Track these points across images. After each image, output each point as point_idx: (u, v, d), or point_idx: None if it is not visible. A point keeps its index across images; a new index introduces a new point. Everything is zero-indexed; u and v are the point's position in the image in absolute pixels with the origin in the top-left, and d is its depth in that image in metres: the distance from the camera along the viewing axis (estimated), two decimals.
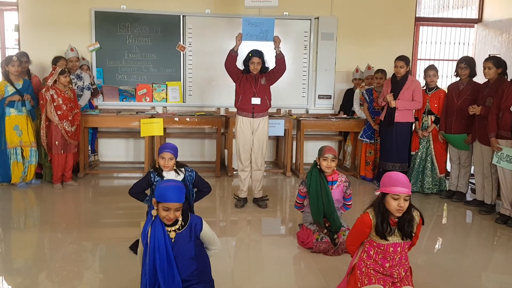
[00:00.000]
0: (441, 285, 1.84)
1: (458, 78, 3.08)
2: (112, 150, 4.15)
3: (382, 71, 3.67)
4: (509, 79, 2.72)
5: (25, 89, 3.22)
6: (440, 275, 1.93)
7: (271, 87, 2.86)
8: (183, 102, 4.14)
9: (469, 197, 3.19)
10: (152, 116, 3.64)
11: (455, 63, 3.13)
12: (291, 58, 3.98)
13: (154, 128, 3.56)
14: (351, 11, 4.19)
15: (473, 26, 4.63)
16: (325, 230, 2.13)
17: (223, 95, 4.05)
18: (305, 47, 4.19)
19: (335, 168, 2.18)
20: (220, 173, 3.76)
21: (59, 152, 3.20)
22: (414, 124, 3.31)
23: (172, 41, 4.05)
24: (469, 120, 2.93)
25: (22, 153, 3.23)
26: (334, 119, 3.83)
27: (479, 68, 2.95)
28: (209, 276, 1.51)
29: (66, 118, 3.19)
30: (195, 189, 2.05)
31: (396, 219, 1.45)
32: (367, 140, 3.66)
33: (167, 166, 1.91)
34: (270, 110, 2.94)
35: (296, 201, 2.31)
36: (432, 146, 3.24)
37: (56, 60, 3.50)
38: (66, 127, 3.19)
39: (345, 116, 3.91)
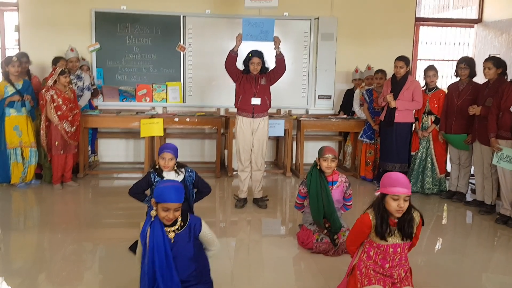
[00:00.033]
0: (441, 286, 1.83)
1: (458, 78, 3.08)
2: (112, 150, 4.14)
3: (382, 72, 3.67)
4: (509, 80, 2.72)
5: (25, 89, 3.22)
6: (440, 275, 1.92)
7: (271, 87, 2.86)
8: (183, 102, 4.14)
9: (469, 197, 3.18)
10: (152, 117, 3.64)
11: (455, 63, 3.13)
12: (291, 58, 3.98)
13: (154, 128, 3.55)
14: (351, 11, 4.19)
15: (473, 27, 4.63)
16: (325, 231, 2.13)
17: (223, 95, 4.05)
18: (305, 48, 4.19)
19: (335, 169, 2.17)
20: (220, 174, 3.76)
21: (59, 153, 3.20)
22: (414, 125, 3.31)
23: (172, 42, 4.05)
24: (469, 120, 2.93)
25: (22, 153, 3.23)
26: (334, 120, 3.82)
27: (479, 68, 2.95)
28: (208, 277, 1.51)
29: (66, 118, 3.19)
30: (195, 190, 2.05)
31: (396, 220, 1.45)
32: (367, 140, 3.65)
33: (167, 166, 1.91)
34: (270, 111, 2.94)
35: (296, 202, 2.31)
36: (432, 147, 3.24)
37: (56, 61, 3.50)
38: (66, 128, 3.19)
39: (345, 116, 3.91)
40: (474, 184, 3.17)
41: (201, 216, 1.52)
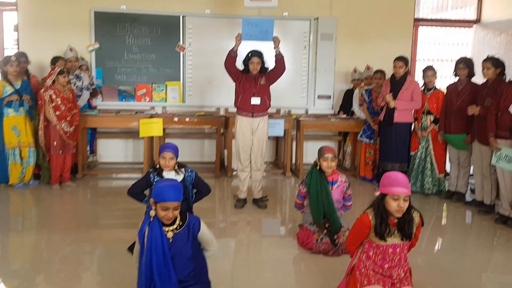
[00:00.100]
0: (441, 286, 1.83)
1: (457, 79, 3.09)
2: (111, 150, 4.13)
3: (381, 72, 3.67)
4: (507, 80, 2.72)
5: (24, 89, 3.21)
6: (440, 275, 1.92)
7: (270, 87, 2.86)
8: (183, 102, 4.13)
9: (468, 197, 3.19)
10: (152, 116, 3.63)
11: (453, 63, 3.13)
12: (290, 58, 3.98)
13: (154, 128, 3.54)
14: (351, 11, 4.20)
15: (472, 27, 4.65)
16: (325, 231, 2.12)
17: (223, 95, 4.04)
18: (305, 48, 4.19)
19: (335, 168, 2.17)
20: (220, 174, 3.75)
21: (58, 153, 3.19)
22: (413, 124, 3.31)
23: (171, 41, 4.04)
24: (468, 120, 2.93)
25: (20, 153, 3.22)
26: (333, 119, 3.82)
27: (478, 68, 2.96)
28: (206, 277, 1.50)
29: (64, 118, 3.18)
30: (195, 190, 2.04)
31: (396, 220, 1.45)
32: (366, 140, 3.65)
33: (168, 166, 1.90)
34: (269, 110, 2.94)
35: (296, 201, 2.31)
36: (432, 146, 3.24)
37: (55, 60, 3.49)
38: (65, 128, 3.18)
39: (344, 116, 3.92)
40: (473, 184, 3.17)
41: (200, 216, 1.51)
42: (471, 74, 3.02)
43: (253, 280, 1.85)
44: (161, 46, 4.03)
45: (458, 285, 1.85)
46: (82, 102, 3.60)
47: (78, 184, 3.38)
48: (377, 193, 1.44)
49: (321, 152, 2.14)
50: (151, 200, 1.39)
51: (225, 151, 3.96)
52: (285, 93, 4.08)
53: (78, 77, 3.62)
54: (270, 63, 2.87)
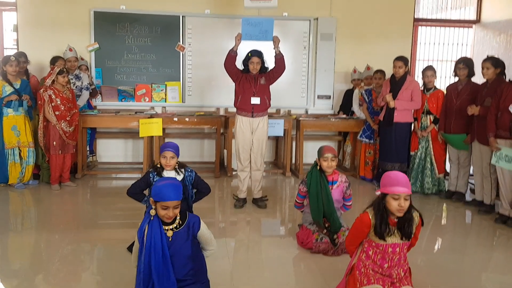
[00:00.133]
0: (441, 285, 1.83)
1: (456, 79, 3.09)
2: (110, 150, 4.13)
3: (381, 72, 3.67)
4: (507, 79, 2.72)
5: (23, 89, 3.21)
6: (440, 275, 1.92)
7: (270, 87, 2.85)
8: (183, 102, 4.13)
9: (468, 197, 3.19)
10: (151, 116, 3.63)
11: (453, 63, 3.13)
12: (290, 58, 3.98)
13: (153, 128, 3.54)
14: (350, 12, 4.20)
15: (471, 27, 4.65)
16: (325, 230, 2.12)
17: (223, 95, 4.04)
18: (305, 48, 4.19)
19: (335, 167, 2.17)
20: (220, 174, 3.75)
21: (57, 153, 3.18)
22: (413, 124, 3.31)
23: (171, 41, 4.04)
24: (468, 120, 2.93)
25: (19, 153, 3.21)
26: (333, 119, 3.82)
27: (478, 68, 2.96)
28: (205, 276, 1.50)
29: (64, 118, 3.17)
30: (195, 190, 2.04)
31: (396, 220, 1.45)
32: (366, 140, 3.65)
33: (169, 165, 1.90)
34: (269, 110, 2.93)
35: (296, 201, 2.30)
36: (431, 146, 3.24)
37: (54, 60, 3.48)
38: (64, 128, 3.18)
39: (344, 116, 3.92)
40: (473, 184, 3.17)
41: (200, 216, 1.51)
42: (471, 74, 3.02)
43: (252, 280, 1.85)
44: (161, 46, 4.03)
45: (458, 285, 1.85)
46: (81, 102, 3.59)
47: (77, 184, 3.38)
48: (378, 193, 1.44)
49: (321, 152, 2.14)
50: (151, 199, 1.39)
51: (225, 151, 3.96)
52: (285, 93, 4.08)
53: (77, 77, 3.62)
54: (270, 63, 2.87)
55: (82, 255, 2.08)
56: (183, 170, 1.96)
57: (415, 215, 1.47)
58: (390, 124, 3.22)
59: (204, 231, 1.47)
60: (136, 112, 3.78)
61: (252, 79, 2.79)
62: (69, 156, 3.28)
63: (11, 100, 3.13)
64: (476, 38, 4.59)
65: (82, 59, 3.83)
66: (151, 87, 4.08)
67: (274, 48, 2.79)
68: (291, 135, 3.83)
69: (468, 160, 3.09)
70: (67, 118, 3.20)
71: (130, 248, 2.03)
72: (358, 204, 2.76)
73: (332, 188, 2.14)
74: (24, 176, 3.25)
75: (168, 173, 1.93)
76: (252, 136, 2.83)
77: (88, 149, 3.82)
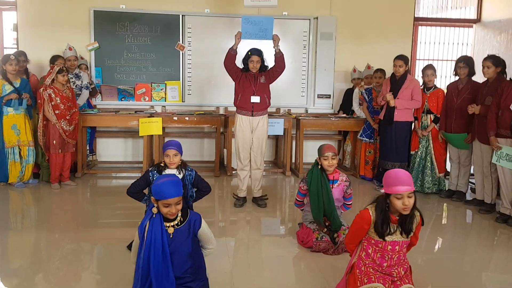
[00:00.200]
0: (441, 285, 1.83)
1: (457, 78, 3.08)
2: (110, 149, 4.12)
3: (381, 71, 3.66)
4: (508, 78, 2.72)
5: (23, 87, 3.21)
6: (440, 274, 1.92)
7: (270, 86, 2.85)
8: (182, 101, 4.12)
9: (469, 196, 3.18)
10: (151, 115, 3.62)
11: (454, 63, 3.13)
12: (290, 57, 3.97)
13: (153, 127, 3.54)
14: (350, 11, 4.19)
15: (472, 26, 4.64)
16: (325, 229, 2.12)
17: (222, 94, 4.04)
18: (304, 47, 4.19)
19: (336, 165, 2.16)
20: (219, 173, 3.75)
21: (57, 152, 3.18)
22: (413, 123, 3.30)
23: (171, 41, 4.04)
24: (469, 119, 2.92)
25: (19, 152, 3.21)
26: (333, 119, 3.82)
27: (478, 68, 2.95)
28: (204, 275, 1.50)
29: (64, 117, 3.17)
30: (195, 189, 2.03)
31: (398, 217, 1.44)
32: (366, 139, 3.65)
33: (173, 163, 1.89)
34: (269, 110, 2.93)
35: (296, 199, 2.30)
36: (432, 146, 3.24)
37: (54, 59, 3.48)
38: (64, 126, 3.17)
39: (344, 115, 3.91)
40: (474, 183, 3.17)
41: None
42: (472, 73, 3.01)
43: (252, 279, 1.84)
44: (161, 45, 4.02)
45: (459, 285, 1.84)
46: (81, 101, 3.59)
47: (77, 183, 3.38)
48: (382, 191, 1.43)
49: (321, 151, 2.14)
50: (152, 198, 1.38)
51: (225, 150, 3.95)
52: (285, 93, 4.08)
53: (77, 76, 3.61)
54: (270, 62, 2.86)
55: (82, 254, 2.08)
56: (183, 169, 1.95)
57: (416, 214, 1.46)
58: (390, 123, 3.21)
59: (205, 230, 1.47)
60: (136, 111, 3.78)
61: (252, 78, 2.78)
62: (69, 155, 3.28)
63: (11, 99, 3.13)
64: (476, 38, 4.58)
65: (82, 58, 3.83)
66: (151, 86, 4.07)
67: (274, 47, 2.78)
68: (291, 134, 3.82)
69: (469, 159, 3.09)
70: (67, 117, 3.19)
71: (130, 247, 2.02)
72: (358, 203, 2.75)
73: (332, 187, 2.14)
74: (24, 175, 3.25)
75: (170, 172, 1.92)
76: (252, 135, 2.82)
77: (88, 148, 3.82)
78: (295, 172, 3.85)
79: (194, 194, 2.04)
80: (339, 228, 2.11)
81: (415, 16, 4.39)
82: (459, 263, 2.09)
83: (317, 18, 4.16)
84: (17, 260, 2.01)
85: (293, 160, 4.01)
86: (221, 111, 4.11)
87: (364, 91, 3.71)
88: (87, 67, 3.85)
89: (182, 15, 4.02)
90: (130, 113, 3.68)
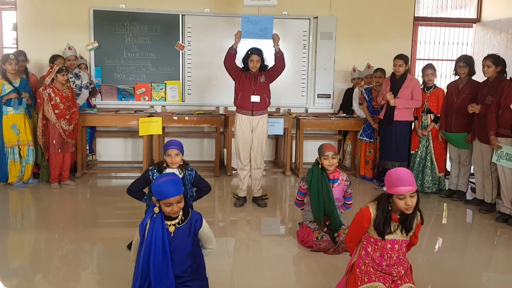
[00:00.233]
0: (442, 284, 1.82)
1: (457, 77, 3.08)
2: (110, 149, 4.12)
3: (381, 70, 3.66)
4: (508, 77, 2.72)
5: (22, 87, 3.20)
6: (441, 274, 1.91)
7: (270, 85, 2.85)
8: (182, 101, 4.12)
9: (469, 196, 3.18)
10: (151, 115, 3.62)
11: (453, 63, 3.12)
12: (290, 57, 3.97)
13: (153, 127, 3.54)
14: (350, 10, 4.19)
15: (472, 26, 4.64)
16: (325, 229, 2.12)
17: (222, 94, 4.04)
18: (304, 47, 4.19)
19: (337, 164, 2.16)
20: (219, 173, 3.74)
21: (57, 151, 3.17)
22: (413, 123, 3.30)
23: (171, 40, 4.03)
24: (469, 119, 2.92)
25: (19, 152, 3.21)
26: (333, 118, 3.82)
27: (478, 67, 2.95)
28: (204, 274, 1.49)
29: (63, 117, 3.17)
30: (195, 189, 2.03)
31: (399, 216, 1.44)
32: (366, 139, 3.65)
33: (175, 162, 1.89)
34: (269, 109, 2.93)
35: (296, 198, 2.30)
36: (432, 145, 3.23)
37: (53, 59, 3.47)
38: (64, 126, 3.17)
39: (344, 115, 3.91)
40: (474, 183, 3.16)
41: None
42: (472, 72, 3.01)
43: (253, 279, 1.84)
44: (161, 45, 4.02)
45: (459, 284, 1.84)
46: (81, 101, 3.59)
47: (77, 183, 3.37)
48: (384, 189, 1.43)
49: (321, 150, 2.13)
50: (153, 197, 1.38)
51: (225, 150, 3.95)
52: (285, 92, 4.08)
53: (77, 76, 3.61)
54: (270, 61, 2.86)
55: (81, 254, 2.07)
56: (184, 169, 1.95)
57: (416, 213, 1.46)
58: (390, 123, 3.21)
59: (206, 229, 1.46)
60: (135, 111, 3.77)
61: (252, 77, 2.78)
62: (69, 155, 3.28)
63: (11, 99, 3.12)
64: (476, 37, 4.58)
65: (81, 57, 3.83)
66: (151, 86, 4.07)
67: (274, 46, 2.78)
68: (291, 134, 3.82)
69: (469, 158, 3.09)
70: (67, 117, 3.19)
71: (130, 246, 2.01)
72: (359, 203, 2.75)
73: (333, 186, 2.14)
74: (23, 174, 3.24)
75: (171, 171, 1.91)
76: (252, 135, 2.82)
77: (87, 148, 3.82)
78: (295, 172, 3.85)
79: (194, 194, 2.03)
80: (339, 227, 2.11)
81: (415, 15, 4.39)
82: (459, 263, 2.09)
83: (317, 17, 4.16)
84: (17, 260, 2.01)
85: (293, 160, 4.01)
86: (221, 111, 4.10)
87: (364, 90, 3.71)
88: (87, 67, 3.85)
89: (182, 15, 4.02)
90: (130, 113, 3.67)
